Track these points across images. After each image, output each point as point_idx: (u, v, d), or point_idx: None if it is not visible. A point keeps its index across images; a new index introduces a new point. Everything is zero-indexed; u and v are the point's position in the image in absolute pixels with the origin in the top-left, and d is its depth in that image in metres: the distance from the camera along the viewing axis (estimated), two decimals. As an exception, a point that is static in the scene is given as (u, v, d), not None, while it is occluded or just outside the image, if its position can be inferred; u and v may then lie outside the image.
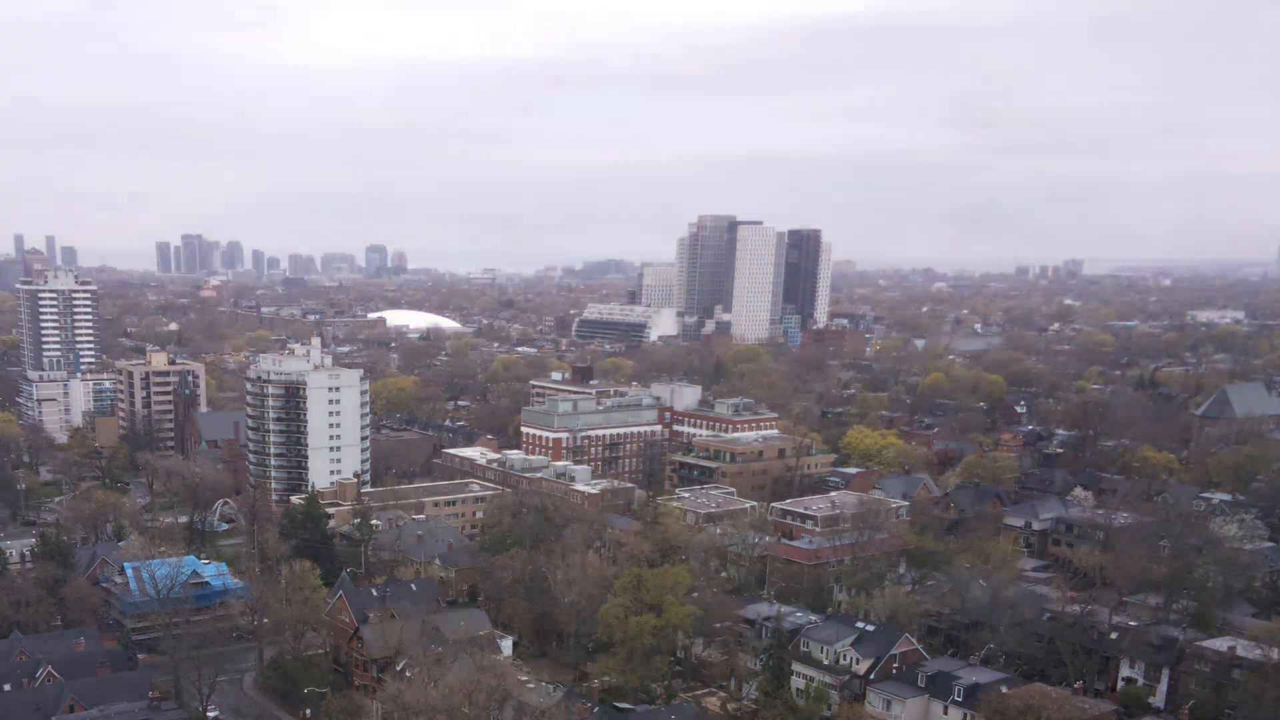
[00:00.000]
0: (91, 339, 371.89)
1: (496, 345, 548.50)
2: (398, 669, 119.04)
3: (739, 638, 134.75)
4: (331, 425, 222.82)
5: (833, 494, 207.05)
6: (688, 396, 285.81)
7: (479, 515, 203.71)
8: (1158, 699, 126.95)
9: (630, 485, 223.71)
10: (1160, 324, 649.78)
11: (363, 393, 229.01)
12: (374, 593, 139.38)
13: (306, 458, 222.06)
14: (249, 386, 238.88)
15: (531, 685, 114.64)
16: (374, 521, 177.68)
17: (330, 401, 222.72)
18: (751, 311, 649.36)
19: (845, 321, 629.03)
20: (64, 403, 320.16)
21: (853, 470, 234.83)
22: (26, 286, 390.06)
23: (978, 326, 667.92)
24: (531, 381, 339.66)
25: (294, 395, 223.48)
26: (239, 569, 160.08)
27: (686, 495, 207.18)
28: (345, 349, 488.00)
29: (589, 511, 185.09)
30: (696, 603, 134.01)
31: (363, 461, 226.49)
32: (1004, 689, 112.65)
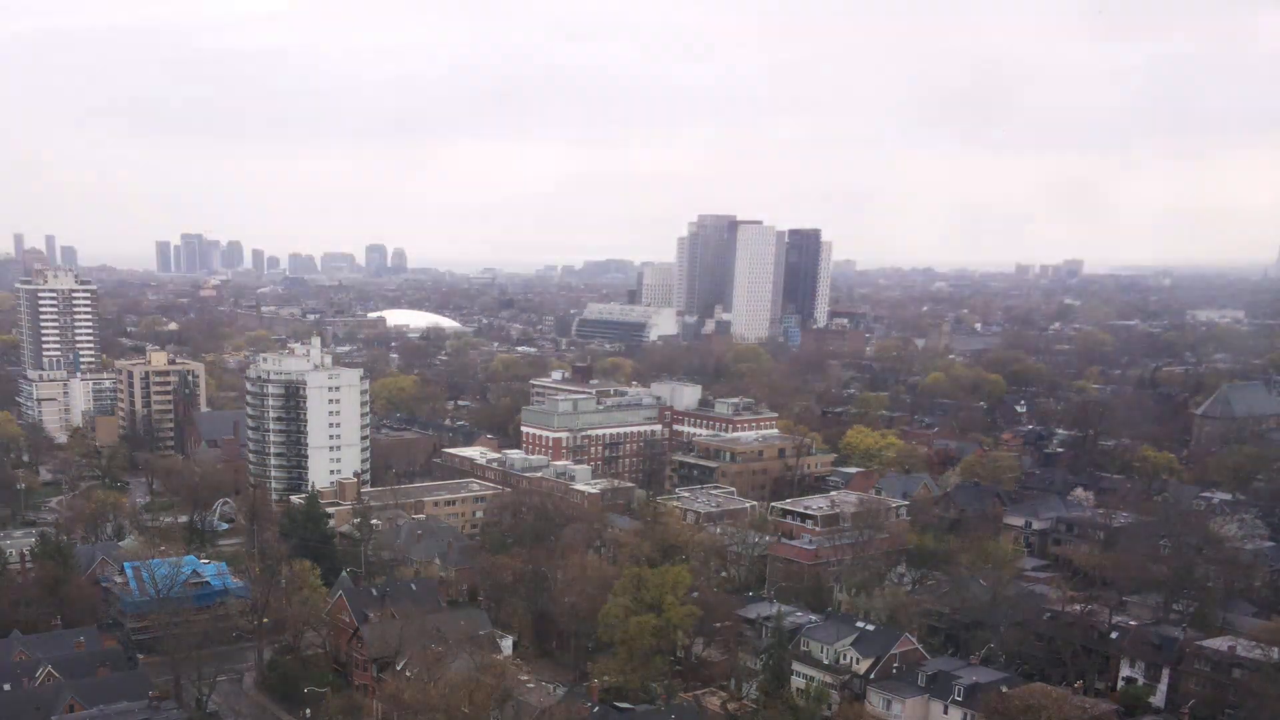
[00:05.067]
0: (91, 338, 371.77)
1: (496, 345, 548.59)
2: (398, 669, 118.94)
3: (739, 637, 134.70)
4: (331, 425, 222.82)
5: (833, 494, 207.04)
6: (688, 396, 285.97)
7: (479, 515, 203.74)
8: (1158, 699, 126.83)
9: (630, 485, 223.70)
10: (1160, 324, 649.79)
11: (363, 392, 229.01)
12: (374, 592, 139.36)
13: (306, 457, 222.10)
14: (249, 386, 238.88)
15: (532, 685, 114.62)
16: (374, 521, 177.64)
17: (330, 401, 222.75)
18: (751, 311, 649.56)
19: (845, 321, 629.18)
20: (64, 402, 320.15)
21: (853, 470, 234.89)
22: (26, 286, 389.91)
23: (978, 326, 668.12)
24: (531, 381, 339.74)
25: (294, 395, 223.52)
26: (239, 569, 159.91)
27: (686, 495, 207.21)
28: (345, 348, 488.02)
29: (589, 511, 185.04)
30: (696, 603, 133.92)
31: (363, 461, 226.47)
32: (1004, 689, 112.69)
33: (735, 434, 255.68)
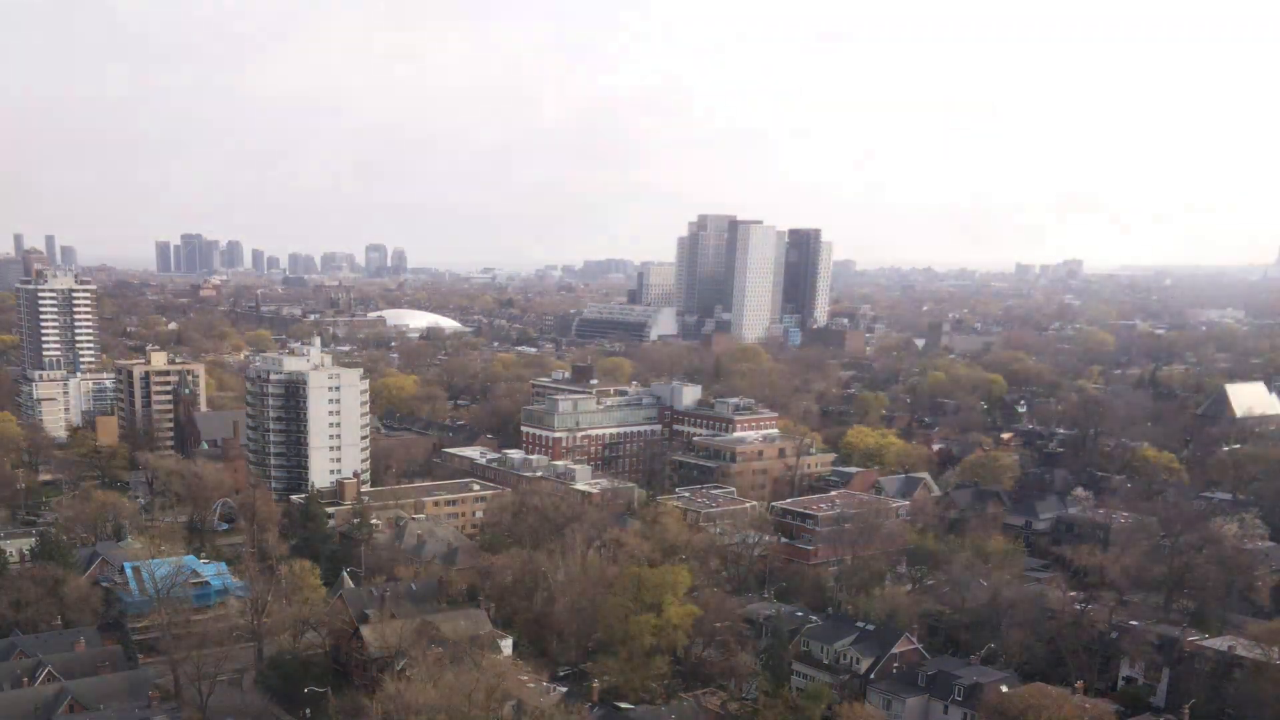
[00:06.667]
0: (91, 338, 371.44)
1: (496, 345, 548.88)
2: (398, 669, 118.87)
3: (739, 637, 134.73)
4: (331, 424, 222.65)
5: (833, 494, 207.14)
6: (688, 396, 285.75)
7: (479, 515, 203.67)
8: (1158, 698, 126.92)
9: (630, 485, 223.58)
10: (1160, 324, 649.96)
11: (362, 392, 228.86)
12: (374, 593, 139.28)
13: (307, 457, 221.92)
14: (249, 386, 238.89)
15: (532, 685, 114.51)
16: (374, 521, 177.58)
17: (330, 400, 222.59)
18: (752, 311, 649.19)
19: (845, 321, 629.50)
20: (64, 402, 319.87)
21: (853, 470, 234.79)
22: (26, 286, 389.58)
23: (978, 326, 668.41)
24: (531, 381, 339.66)
25: (294, 394, 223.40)
26: (239, 569, 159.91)
27: (686, 495, 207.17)
28: (345, 348, 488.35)
29: (589, 511, 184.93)
30: (696, 603, 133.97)
31: (363, 461, 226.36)
32: (1004, 689, 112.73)
33: (735, 434, 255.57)
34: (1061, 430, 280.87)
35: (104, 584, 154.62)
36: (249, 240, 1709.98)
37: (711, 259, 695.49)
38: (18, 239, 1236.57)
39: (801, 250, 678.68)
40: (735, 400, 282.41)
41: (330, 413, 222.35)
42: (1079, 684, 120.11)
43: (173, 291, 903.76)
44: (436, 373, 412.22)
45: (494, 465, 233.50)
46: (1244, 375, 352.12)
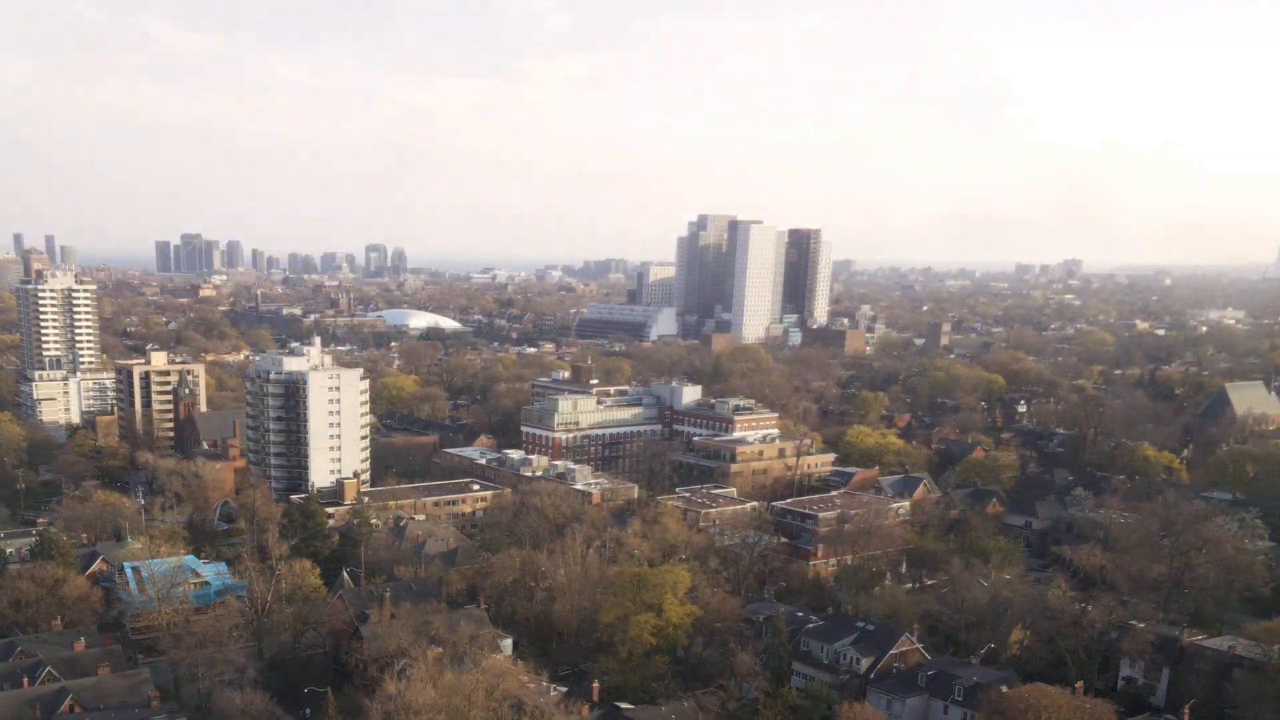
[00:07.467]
0: (91, 338, 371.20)
1: (496, 345, 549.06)
2: (398, 669, 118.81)
3: (739, 637, 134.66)
4: (331, 424, 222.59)
5: (833, 494, 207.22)
6: (687, 396, 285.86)
7: (479, 515, 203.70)
8: (1158, 698, 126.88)
9: (630, 485, 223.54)
10: (1160, 324, 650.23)
11: (362, 392, 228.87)
12: (374, 592, 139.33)
13: (306, 457, 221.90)
14: (249, 386, 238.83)
15: (532, 685, 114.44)
16: (373, 521, 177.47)
17: (330, 400, 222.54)
18: (752, 311, 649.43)
19: (845, 321, 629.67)
20: (64, 402, 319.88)
21: (853, 470, 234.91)
22: (26, 286, 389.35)
23: (977, 326, 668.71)
24: (532, 381, 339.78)
25: (294, 394, 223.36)
26: (239, 569, 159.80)
27: (686, 495, 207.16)
28: (345, 348, 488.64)
29: (589, 511, 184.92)
30: (696, 603, 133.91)
31: (363, 461, 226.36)
32: (1004, 689, 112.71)
33: (735, 434, 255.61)
34: (1061, 430, 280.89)
35: (104, 584, 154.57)
36: (249, 240, 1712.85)
37: (711, 259, 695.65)
38: (18, 239, 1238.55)
39: (801, 250, 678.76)
40: (735, 400, 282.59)
41: (330, 413, 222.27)
42: (1079, 684, 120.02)
43: (172, 291, 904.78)
44: (436, 373, 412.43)
45: (494, 465, 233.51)
46: (1244, 375, 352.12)
